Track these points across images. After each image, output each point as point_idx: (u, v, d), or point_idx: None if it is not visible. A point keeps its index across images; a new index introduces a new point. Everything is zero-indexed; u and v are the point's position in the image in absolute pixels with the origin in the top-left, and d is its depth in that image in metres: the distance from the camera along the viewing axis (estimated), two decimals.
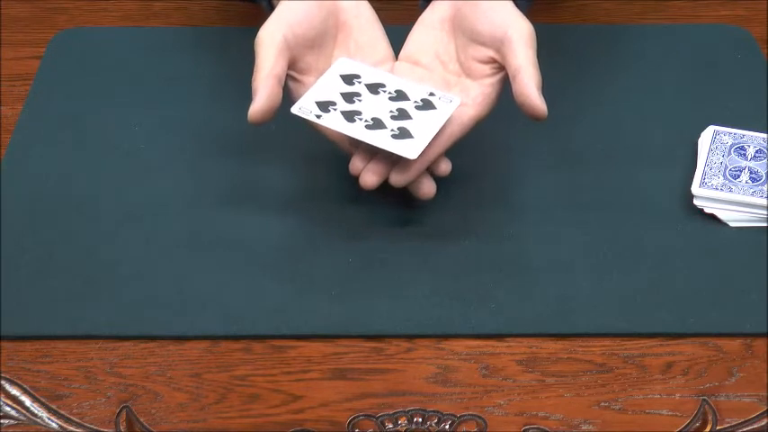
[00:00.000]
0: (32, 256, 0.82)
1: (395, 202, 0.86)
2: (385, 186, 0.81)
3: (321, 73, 0.82)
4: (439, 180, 0.83)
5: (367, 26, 0.84)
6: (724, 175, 0.85)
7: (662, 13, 1.07)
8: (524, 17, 0.80)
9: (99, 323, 0.78)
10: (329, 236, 0.84)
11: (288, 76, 0.81)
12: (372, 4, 0.86)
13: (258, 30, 0.81)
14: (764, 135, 0.89)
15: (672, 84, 0.98)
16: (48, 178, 0.88)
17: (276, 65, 0.79)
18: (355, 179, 0.80)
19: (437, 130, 0.79)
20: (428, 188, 0.81)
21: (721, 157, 0.87)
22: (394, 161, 0.79)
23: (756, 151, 0.87)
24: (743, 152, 0.87)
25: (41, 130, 0.93)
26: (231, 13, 1.06)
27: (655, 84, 0.98)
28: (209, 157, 0.90)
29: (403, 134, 0.78)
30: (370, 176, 0.79)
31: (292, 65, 0.81)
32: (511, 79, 0.79)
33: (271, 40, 0.79)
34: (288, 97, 0.81)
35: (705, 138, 0.89)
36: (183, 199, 0.86)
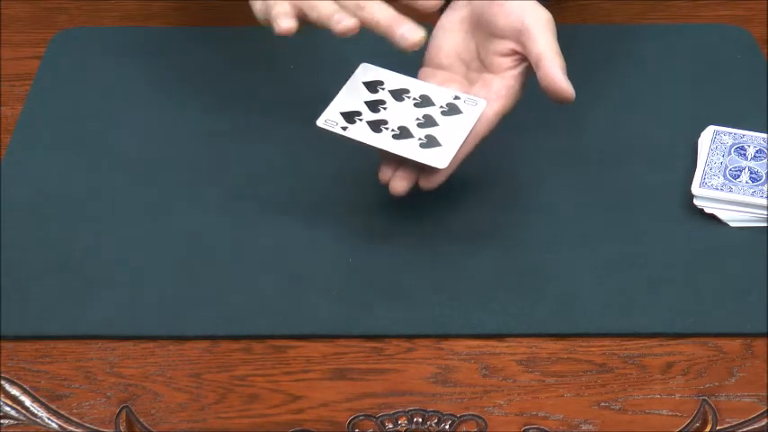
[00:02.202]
0: (32, 256, 0.82)
1: (395, 202, 0.86)
2: (383, 186, 0.82)
3: None
4: None
5: None
6: (724, 175, 0.85)
7: (662, 13, 1.07)
8: (541, 5, 0.80)
9: (99, 323, 0.78)
10: (329, 236, 0.84)
11: None
12: None
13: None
14: (764, 135, 0.89)
15: (672, 84, 0.98)
16: (48, 178, 0.88)
17: None
18: (375, 185, 0.80)
19: (465, 137, 0.79)
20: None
21: (721, 157, 0.87)
22: (422, 166, 0.79)
23: (756, 151, 0.87)
24: (743, 152, 0.87)
25: (41, 130, 0.93)
26: (231, 13, 1.06)
27: (655, 84, 0.98)
28: (209, 156, 0.90)
29: (431, 143, 0.78)
30: (399, 183, 0.80)
31: None
32: (534, 67, 0.78)
33: None
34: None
35: (705, 138, 0.89)
36: (182, 199, 0.86)
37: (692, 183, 0.85)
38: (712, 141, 0.88)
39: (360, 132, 0.78)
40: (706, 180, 0.85)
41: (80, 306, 0.79)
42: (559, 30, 0.79)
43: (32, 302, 0.79)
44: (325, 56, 0.98)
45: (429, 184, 0.80)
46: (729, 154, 0.87)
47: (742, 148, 0.88)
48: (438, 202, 0.85)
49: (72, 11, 1.07)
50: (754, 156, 0.87)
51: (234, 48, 1.00)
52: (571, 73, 0.78)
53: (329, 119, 0.79)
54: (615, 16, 1.07)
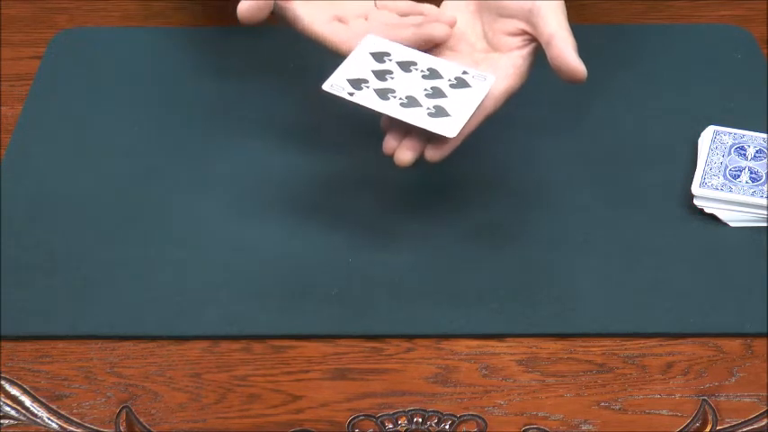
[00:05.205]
0: (32, 256, 0.82)
1: (395, 201, 0.86)
2: (386, 182, 0.81)
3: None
4: (439, 180, 0.83)
5: None
6: (724, 175, 0.85)
7: (662, 13, 1.07)
8: None
9: (99, 323, 0.78)
10: (329, 236, 0.84)
11: None
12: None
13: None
14: (764, 135, 0.89)
15: (672, 84, 0.98)
16: (48, 178, 0.88)
17: None
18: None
19: (474, 109, 0.77)
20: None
21: (721, 157, 0.87)
22: (428, 137, 0.77)
23: (756, 151, 0.87)
24: (743, 152, 0.87)
25: (41, 130, 0.93)
26: (231, 12, 1.06)
27: (655, 84, 0.98)
28: (209, 156, 0.90)
29: (439, 112, 0.76)
30: (404, 153, 0.77)
31: None
32: (545, 47, 0.77)
33: None
34: (281, 18, 0.80)
35: (705, 138, 0.89)
36: (182, 199, 0.86)
37: (692, 183, 0.85)
38: (712, 141, 0.88)
39: (367, 98, 0.77)
40: (706, 180, 0.85)
41: (80, 306, 0.79)
42: None
43: (32, 302, 0.79)
44: (327, 56, 0.98)
45: (435, 155, 0.78)
46: (729, 154, 0.87)
47: (742, 148, 0.88)
48: (438, 202, 0.85)
49: (72, 11, 1.07)
50: (754, 156, 0.87)
51: (234, 47, 1.00)
52: None
53: (336, 84, 0.78)
54: (615, 16, 1.07)
